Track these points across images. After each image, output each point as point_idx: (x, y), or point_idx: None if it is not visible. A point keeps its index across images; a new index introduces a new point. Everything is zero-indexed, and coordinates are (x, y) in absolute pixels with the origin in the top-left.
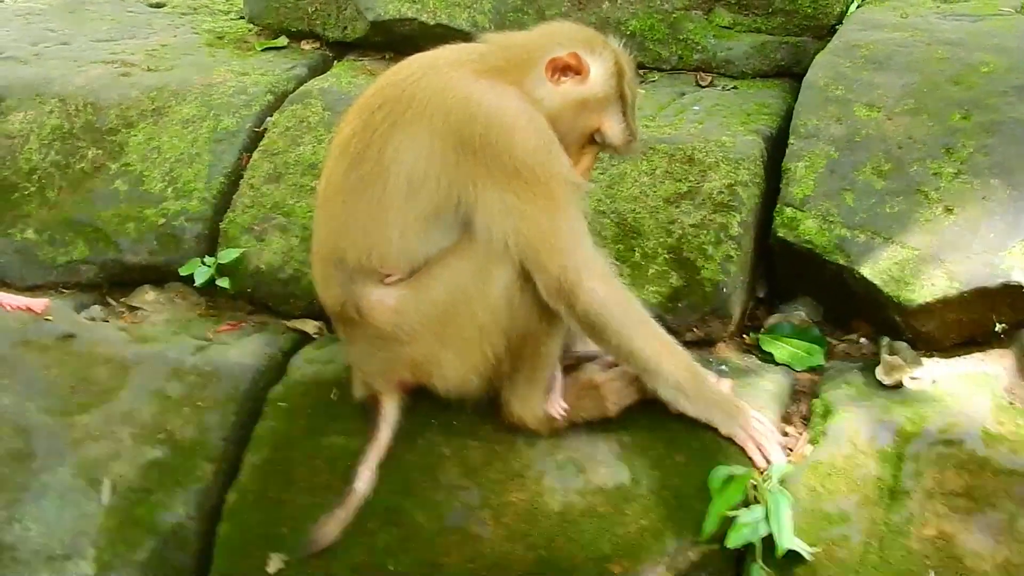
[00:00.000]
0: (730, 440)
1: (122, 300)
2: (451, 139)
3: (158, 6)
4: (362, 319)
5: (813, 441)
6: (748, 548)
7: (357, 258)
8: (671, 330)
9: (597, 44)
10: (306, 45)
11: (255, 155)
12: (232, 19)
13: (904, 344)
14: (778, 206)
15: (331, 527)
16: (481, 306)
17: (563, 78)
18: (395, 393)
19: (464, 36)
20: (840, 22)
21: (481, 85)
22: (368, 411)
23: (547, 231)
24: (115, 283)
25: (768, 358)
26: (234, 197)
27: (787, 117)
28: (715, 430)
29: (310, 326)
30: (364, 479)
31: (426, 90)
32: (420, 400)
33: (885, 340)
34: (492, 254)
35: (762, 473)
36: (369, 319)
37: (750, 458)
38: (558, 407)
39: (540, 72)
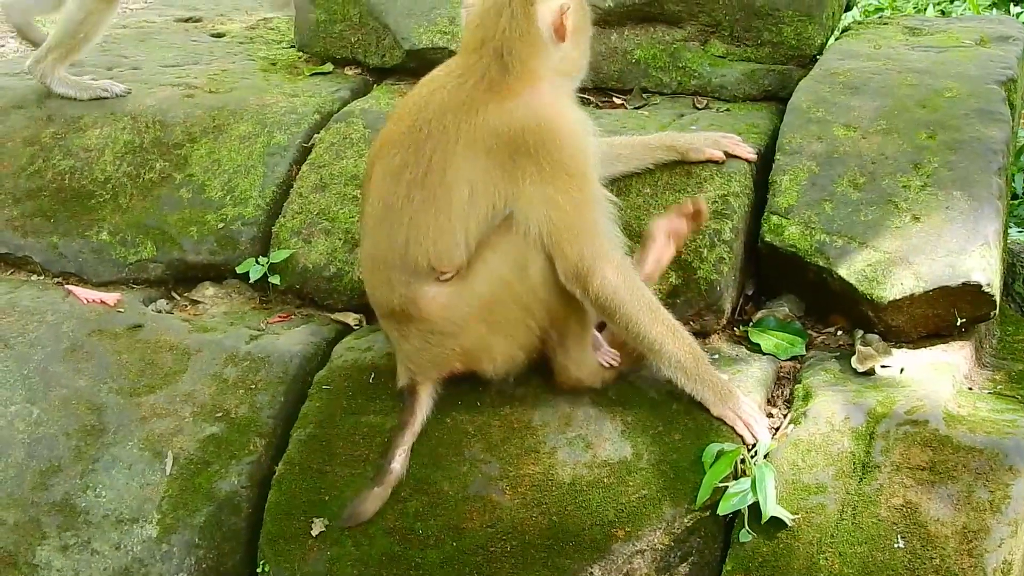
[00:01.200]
0: (721, 420)
1: (185, 294)
2: (507, 150)
3: (219, 36)
4: (419, 316)
5: (794, 421)
6: (737, 515)
7: (426, 261)
8: None
9: None
10: (349, 71)
11: (303, 167)
12: (284, 48)
13: (876, 336)
14: (765, 214)
15: (370, 504)
16: (522, 288)
17: (561, 32)
18: (432, 383)
19: None
20: (821, 52)
21: (517, 104)
22: (405, 398)
23: (573, 220)
24: (179, 279)
25: (756, 348)
26: (285, 204)
27: (774, 136)
28: (707, 410)
29: (351, 318)
30: (399, 460)
31: (471, 123)
32: (450, 385)
33: (859, 332)
34: (526, 242)
35: (749, 449)
36: (426, 315)
37: (739, 436)
38: (609, 356)
39: (549, 49)
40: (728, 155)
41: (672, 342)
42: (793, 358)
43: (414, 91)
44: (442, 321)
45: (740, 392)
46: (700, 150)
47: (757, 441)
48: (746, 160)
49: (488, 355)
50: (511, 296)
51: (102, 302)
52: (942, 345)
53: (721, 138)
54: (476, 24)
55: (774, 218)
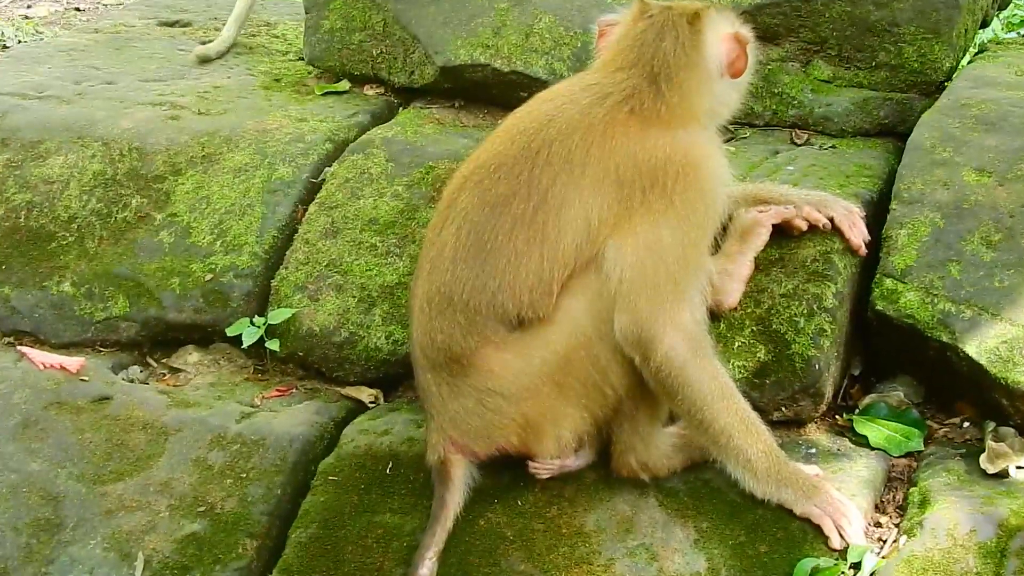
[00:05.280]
0: (807, 520)
1: (163, 361)
2: (642, 183)
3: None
4: (481, 368)
5: (908, 532)
6: None
7: (517, 310)
8: (756, 408)
9: (725, 12)
10: (369, 90)
11: (311, 208)
12: (290, 60)
13: (1011, 430)
14: (877, 276)
15: None
16: (601, 346)
17: (738, 68)
18: (469, 462)
19: (541, 84)
20: (949, 79)
21: (666, 136)
22: (436, 479)
23: (666, 273)
24: (156, 342)
25: (862, 441)
26: (287, 253)
27: (889, 180)
28: (797, 515)
29: (365, 394)
30: (427, 567)
31: (604, 148)
32: (484, 477)
33: (991, 425)
34: (611, 289)
35: (854, 568)
36: (489, 368)
37: (826, 537)
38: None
39: (713, 85)
40: (832, 227)
41: (742, 437)
42: (908, 454)
43: (530, 105)
44: (506, 379)
45: (831, 486)
46: (799, 209)
47: (849, 545)
48: (854, 249)
49: (554, 427)
50: (589, 354)
51: (62, 368)
52: None
53: (833, 201)
54: (628, 44)
55: (888, 282)
